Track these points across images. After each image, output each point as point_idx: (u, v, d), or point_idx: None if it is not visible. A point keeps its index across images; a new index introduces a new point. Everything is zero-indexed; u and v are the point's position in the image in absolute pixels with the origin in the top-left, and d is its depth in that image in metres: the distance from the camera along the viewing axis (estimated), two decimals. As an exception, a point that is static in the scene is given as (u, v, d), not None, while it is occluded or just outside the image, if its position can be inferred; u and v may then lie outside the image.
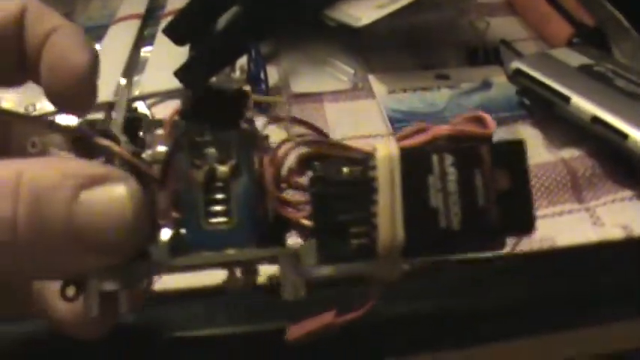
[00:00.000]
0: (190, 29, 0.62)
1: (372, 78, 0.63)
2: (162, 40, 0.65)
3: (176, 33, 0.62)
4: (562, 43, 0.64)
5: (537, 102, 0.56)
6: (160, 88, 0.62)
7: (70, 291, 0.26)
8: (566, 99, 0.52)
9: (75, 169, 0.23)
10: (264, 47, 0.64)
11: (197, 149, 0.27)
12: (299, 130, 0.30)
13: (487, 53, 0.66)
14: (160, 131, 0.30)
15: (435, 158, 0.25)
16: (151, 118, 0.32)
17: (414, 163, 0.25)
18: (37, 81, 0.31)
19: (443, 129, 0.26)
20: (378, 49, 0.67)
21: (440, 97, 0.60)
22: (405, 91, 0.61)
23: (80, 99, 0.30)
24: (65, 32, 0.30)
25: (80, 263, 0.24)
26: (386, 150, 0.25)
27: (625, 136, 0.48)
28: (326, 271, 0.25)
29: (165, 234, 0.26)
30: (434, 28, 0.70)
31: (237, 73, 0.65)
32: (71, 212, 0.23)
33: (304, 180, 0.27)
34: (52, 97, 0.31)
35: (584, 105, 0.51)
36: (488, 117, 0.27)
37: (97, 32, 0.74)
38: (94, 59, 0.30)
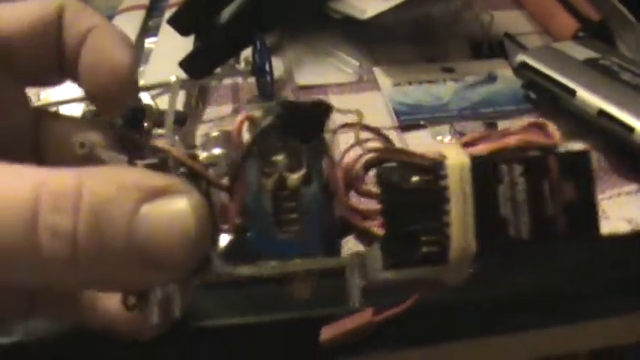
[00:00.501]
0: (195, 20, 0.62)
1: (377, 70, 0.63)
2: (166, 30, 0.65)
3: (181, 23, 0.62)
4: (567, 37, 0.64)
5: (542, 95, 0.56)
6: (165, 78, 0.62)
7: (131, 300, 0.25)
8: (572, 92, 0.52)
9: (135, 181, 0.22)
10: (269, 39, 0.64)
11: (267, 156, 0.26)
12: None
13: (492, 46, 0.66)
14: (160, 130, 0.29)
15: (504, 168, 0.25)
16: (155, 108, 0.32)
17: (485, 173, 0.25)
18: (75, 80, 0.30)
19: (511, 139, 0.26)
20: (383, 42, 0.67)
21: (445, 90, 0.60)
22: (410, 83, 0.61)
23: (122, 98, 0.30)
24: (104, 31, 0.29)
25: (141, 279, 0.23)
26: (457, 159, 0.25)
27: (631, 129, 0.48)
28: (389, 275, 0.25)
29: (224, 239, 0.26)
30: (439, 21, 0.70)
31: (242, 65, 0.65)
32: (132, 228, 0.22)
33: (370, 187, 0.26)
34: (92, 97, 0.30)
35: (589, 98, 0.51)
36: (550, 125, 0.27)
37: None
38: (134, 57, 0.30)
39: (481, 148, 0.26)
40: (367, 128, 0.29)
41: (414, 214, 0.24)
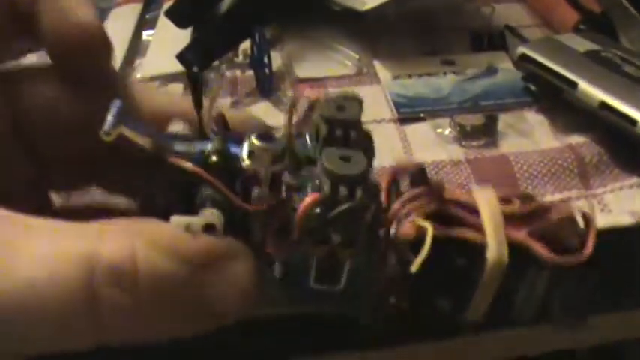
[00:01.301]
0: (193, 12, 0.61)
1: (376, 63, 0.63)
2: (164, 23, 0.64)
3: (178, 15, 0.61)
4: (568, 29, 0.64)
5: (543, 88, 0.56)
6: (162, 71, 0.62)
7: None
8: (574, 84, 0.51)
9: (190, 249, 0.22)
10: (267, 31, 0.63)
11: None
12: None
13: (492, 39, 0.66)
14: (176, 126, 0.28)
15: (531, 271, 0.26)
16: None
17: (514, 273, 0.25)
18: (37, 45, 0.28)
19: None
20: (383, 34, 0.67)
21: (445, 82, 0.60)
22: (410, 76, 0.61)
23: (95, 57, 0.29)
24: None
25: (194, 330, 0.23)
26: (497, 254, 0.25)
27: (633, 122, 0.47)
28: None
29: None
30: (439, 14, 0.69)
31: (240, 57, 0.65)
32: (192, 298, 0.22)
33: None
34: (62, 62, 0.29)
35: (591, 91, 0.50)
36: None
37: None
38: (95, 13, 0.29)
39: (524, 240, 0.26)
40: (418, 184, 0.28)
41: (440, 290, 0.26)
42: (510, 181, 0.49)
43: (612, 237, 0.44)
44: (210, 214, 0.23)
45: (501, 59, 0.63)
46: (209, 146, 0.25)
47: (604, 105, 0.49)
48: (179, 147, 0.25)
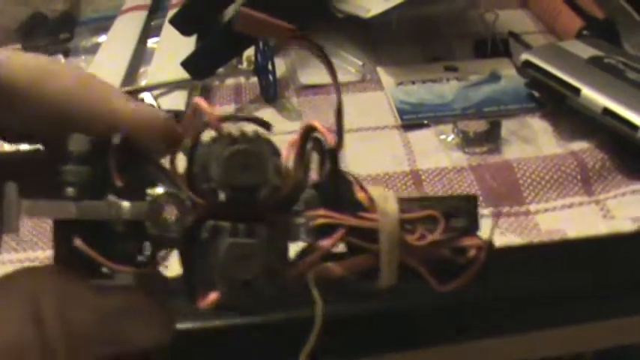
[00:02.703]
0: (197, 19, 0.62)
1: (380, 70, 0.63)
2: (169, 31, 0.64)
3: (183, 23, 0.62)
4: (572, 35, 0.64)
5: (547, 94, 0.56)
6: (167, 78, 0.62)
7: None
8: (577, 91, 0.52)
9: (106, 304, 0.23)
10: (271, 38, 0.64)
11: None
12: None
13: (495, 45, 0.66)
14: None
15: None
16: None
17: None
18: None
19: None
20: (386, 41, 0.67)
21: (448, 89, 0.60)
22: (413, 82, 0.61)
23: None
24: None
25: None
26: (387, 281, 0.25)
27: (636, 127, 0.47)
28: None
29: None
30: (443, 20, 0.70)
31: (245, 64, 0.65)
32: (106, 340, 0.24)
33: None
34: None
35: (594, 97, 0.50)
36: None
37: (103, 24, 0.74)
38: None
39: None
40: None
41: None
42: (513, 188, 0.49)
43: (615, 243, 0.44)
44: (125, 275, 0.24)
45: (505, 66, 0.63)
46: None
47: (607, 111, 0.49)
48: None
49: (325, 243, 0.25)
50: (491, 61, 0.64)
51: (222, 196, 0.24)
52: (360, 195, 0.26)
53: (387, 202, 0.25)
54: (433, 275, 0.26)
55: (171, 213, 0.24)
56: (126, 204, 0.23)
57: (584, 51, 0.57)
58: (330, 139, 0.25)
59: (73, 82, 0.26)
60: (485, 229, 0.45)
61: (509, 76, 0.61)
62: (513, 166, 0.51)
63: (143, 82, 0.63)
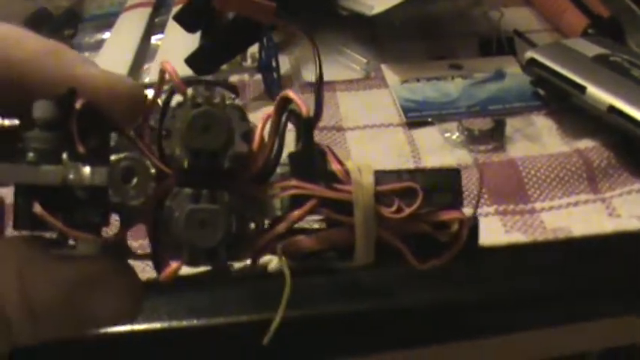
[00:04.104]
0: (201, 16, 0.61)
1: (384, 67, 0.63)
2: (173, 27, 0.64)
3: (187, 20, 0.61)
4: (577, 34, 0.64)
5: (552, 92, 0.56)
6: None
7: None
8: (582, 89, 0.51)
9: (68, 274, 0.23)
10: (276, 35, 0.63)
11: None
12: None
13: (500, 44, 0.66)
14: None
15: None
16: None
17: None
18: None
19: None
20: (391, 39, 0.67)
21: (453, 87, 0.60)
22: (418, 80, 0.61)
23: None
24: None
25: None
26: (363, 259, 0.25)
27: (642, 125, 0.47)
28: None
29: None
30: (447, 18, 0.70)
31: (249, 61, 0.65)
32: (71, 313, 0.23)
33: None
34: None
35: (600, 95, 0.50)
36: None
37: (107, 20, 0.74)
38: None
39: None
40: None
41: None
42: (518, 186, 0.49)
43: (621, 241, 0.44)
44: (87, 242, 0.23)
45: (510, 64, 0.63)
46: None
47: (612, 109, 0.49)
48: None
49: (295, 214, 0.24)
50: (496, 59, 0.64)
51: (185, 163, 0.23)
52: (336, 167, 0.25)
53: (362, 173, 0.25)
54: (413, 252, 0.25)
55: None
56: (86, 169, 0.23)
57: (590, 49, 0.56)
58: (305, 110, 0.24)
59: (38, 48, 0.25)
60: (491, 227, 0.46)
61: (514, 74, 0.61)
62: (518, 164, 0.50)
63: (147, 79, 0.63)
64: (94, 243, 0.23)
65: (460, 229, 0.25)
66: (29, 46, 0.25)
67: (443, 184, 0.25)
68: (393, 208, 0.24)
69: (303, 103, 0.24)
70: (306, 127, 0.25)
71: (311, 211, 0.24)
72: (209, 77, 0.60)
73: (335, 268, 0.26)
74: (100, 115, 0.24)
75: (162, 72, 0.24)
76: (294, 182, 0.24)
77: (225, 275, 0.25)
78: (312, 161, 0.25)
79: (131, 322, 0.24)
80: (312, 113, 0.25)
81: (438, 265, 0.25)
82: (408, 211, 0.24)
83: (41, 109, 0.23)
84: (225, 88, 0.24)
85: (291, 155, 0.25)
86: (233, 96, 0.24)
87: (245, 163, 0.24)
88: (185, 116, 0.23)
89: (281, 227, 0.24)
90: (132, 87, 0.26)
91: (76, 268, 0.23)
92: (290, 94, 0.25)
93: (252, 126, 0.24)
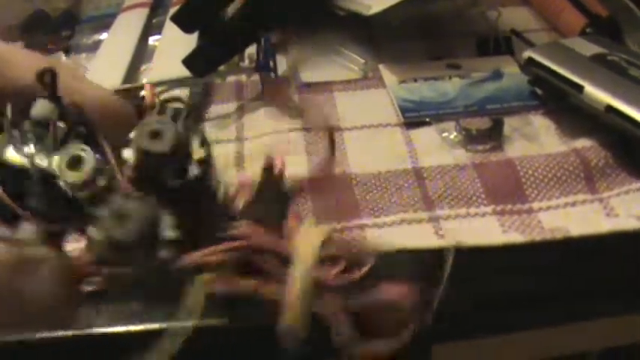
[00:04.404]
0: (198, 17, 0.61)
1: (382, 67, 0.63)
2: (170, 28, 0.64)
3: (184, 20, 0.61)
4: (575, 33, 0.64)
5: (550, 91, 0.56)
6: (168, 76, 0.62)
7: None
8: (580, 88, 0.51)
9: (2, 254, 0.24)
10: (274, 36, 0.63)
11: None
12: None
13: (498, 43, 0.66)
14: None
15: None
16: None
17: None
18: None
19: None
20: (388, 39, 0.67)
21: (451, 86, 0.60)
22: (415, 80, 0.61)
23: None
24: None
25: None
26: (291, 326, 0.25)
27: (639, 125, 0.47)
28: None
29: None
30: (445, 18, 0.70)
31: (246, 62, 0.65)
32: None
33: None
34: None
35: (597, 94, 0.50)
36: None
37: (104, 21, 0.74)
38: None
39: None
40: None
41: None
42: (516, 185, 0.49)
43: (619, 241, 0.44)
44: (30, 229, 0.24)
45: (507, 63, 0.63)
46: None
47: (610, 108, 0.49)
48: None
49: (221, 246, 0.25)
50: (493, 59, 0.64)
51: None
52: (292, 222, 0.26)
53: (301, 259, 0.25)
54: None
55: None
56: (43, 156, 0.25)
57: (588, 48, 0.56)
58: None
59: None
60: (488, 227, 0.45)
61: (512, 74, 0.61)
62: (516, 164, 0.50)
63: (144, 80, 0.63)
64: (36, 228, 0.25)
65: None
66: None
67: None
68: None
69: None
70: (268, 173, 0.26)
71: (234, 250, 0.25)
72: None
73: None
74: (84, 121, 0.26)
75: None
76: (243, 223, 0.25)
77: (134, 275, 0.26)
78: (271, 206, 0.26)
79: (72, 313, 0.25)
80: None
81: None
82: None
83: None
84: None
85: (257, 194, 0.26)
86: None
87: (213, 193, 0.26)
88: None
89: (200, 254, 0.25)
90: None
91: (12, 249, 0.24)
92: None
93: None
